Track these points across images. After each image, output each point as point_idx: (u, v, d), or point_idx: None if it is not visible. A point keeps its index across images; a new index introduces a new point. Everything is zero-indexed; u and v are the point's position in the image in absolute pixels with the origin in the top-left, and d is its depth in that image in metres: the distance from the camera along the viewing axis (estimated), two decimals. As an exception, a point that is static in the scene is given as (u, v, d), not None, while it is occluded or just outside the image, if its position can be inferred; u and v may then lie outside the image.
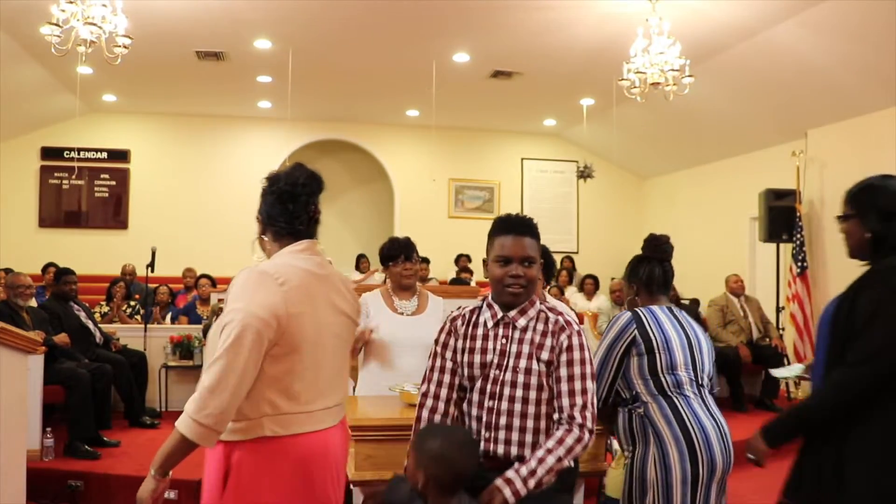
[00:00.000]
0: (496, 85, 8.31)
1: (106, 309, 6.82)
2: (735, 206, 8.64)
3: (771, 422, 2.06)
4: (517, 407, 1.92)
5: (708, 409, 2.26)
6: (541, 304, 2.02)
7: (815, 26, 5.90)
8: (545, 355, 1.94)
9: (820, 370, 2.04)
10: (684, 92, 5.85)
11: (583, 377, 1.91)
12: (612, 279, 8.62)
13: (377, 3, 6.03)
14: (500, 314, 2.00)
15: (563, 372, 1.92)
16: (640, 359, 2.28)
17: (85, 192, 9.89)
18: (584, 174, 9.12)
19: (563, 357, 1.93)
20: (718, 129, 8.49)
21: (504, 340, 1.97)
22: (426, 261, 8.34)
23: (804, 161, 7.40)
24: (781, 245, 7.49)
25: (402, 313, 3.22)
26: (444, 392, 2.03)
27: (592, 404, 1.92)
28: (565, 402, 1.90)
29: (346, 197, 11.47)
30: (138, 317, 6.85)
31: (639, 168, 11.04)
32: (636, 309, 2.40)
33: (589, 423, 1.89)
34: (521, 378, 1.93)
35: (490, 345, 1.99)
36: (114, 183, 9.96)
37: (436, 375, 2.06)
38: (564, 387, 1.91)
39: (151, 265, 6.65)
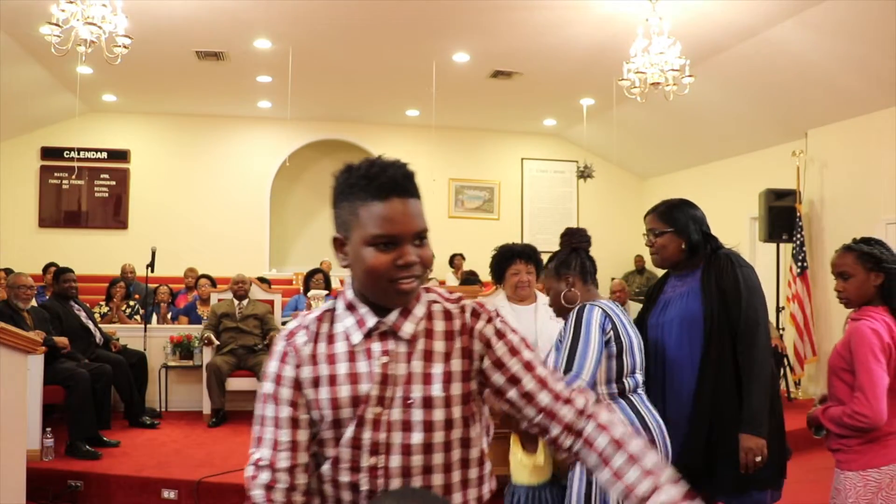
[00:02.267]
0: (496, 85, 8.31)
1: (105, 309, 6.82)
2: (735, 206, 8.63)
3: (751, 417, 2.25)
4: (416, 461, 1.24)
5: (649, 406, 2.26)
6: (427, 292, 1.35)
7: (815, 26, 5.90)
8: (458, 366, 1.27)
9: (691, 363, 2.34)
10: (684, 92, 5.85)
11: (541, 362, 1.32)
12: (613, 279, 8.62)
13: (377, 3, 6.02)
14: (370, 321, 1.27)
15: (514, 365, 1.29)
16: (609, 361, 2.17)
17: (85, 192, 9.89)
18: (584, 174, 9.11)
19: (501, 348, 1.29)
20: (718, 129, 8.48)
21: (386, 359, 1.26)
22: None
23: (804, 161, 7.39)
24: (781, 245, 7.49)
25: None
26: (283, 458, 1.27)
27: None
28: (545, 398, 1.27)
29: (346, 197, 11.46)
30: (138, 317, 6.85)
31: (639, 168, 11.04)
32: (598, 304, 2.24)
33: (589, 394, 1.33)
34: (417, 416, 1.24)
35: (363, 368, 1.26)
36: (114, 183, 9.96)
37: (269, 434, 1.28)
38: (531, 384, 1.28)
39: (151, 265, 6.66)
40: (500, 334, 1.30)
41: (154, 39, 6.71)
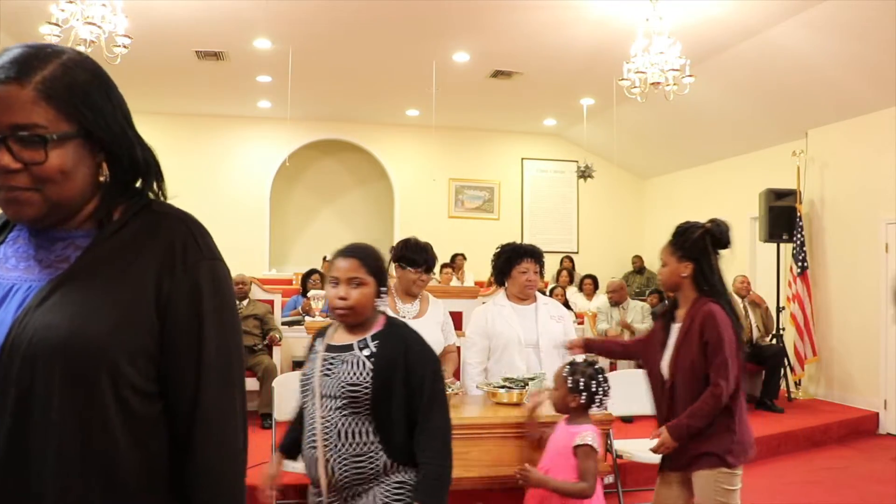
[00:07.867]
0: (496, 85, 8.31)
1: (106, 309, 6.80)
2: (735, 206, 8.63)
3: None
4: None
5: None
6: None
7: (815, 26, 5.90)
8: None
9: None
10: (684, 92, 5.84)
11: None
12: (613, 279, 8.60)
13: (377, 3, 6.02)
14: None
15: None
16: None
17: (85, 192, 9.87)
18: (585, 174, 9.11)
19: None
20: (718, 129, 8.48)
21: None
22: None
23: (804, 161, 7.39)
24: (782, 245, 7.49)
25: (403, 316, 3.19)
26: None
27: None
28: None
29: (346, 197, 11.46)
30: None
31: (639, 168, 11.04)
32: None
33: None
34: None
35: None
36: (114, 183, 9.95)
37: None
38: None
39: (151, 265, 6.64)
40: None
41: (154, 39, 6.70)
